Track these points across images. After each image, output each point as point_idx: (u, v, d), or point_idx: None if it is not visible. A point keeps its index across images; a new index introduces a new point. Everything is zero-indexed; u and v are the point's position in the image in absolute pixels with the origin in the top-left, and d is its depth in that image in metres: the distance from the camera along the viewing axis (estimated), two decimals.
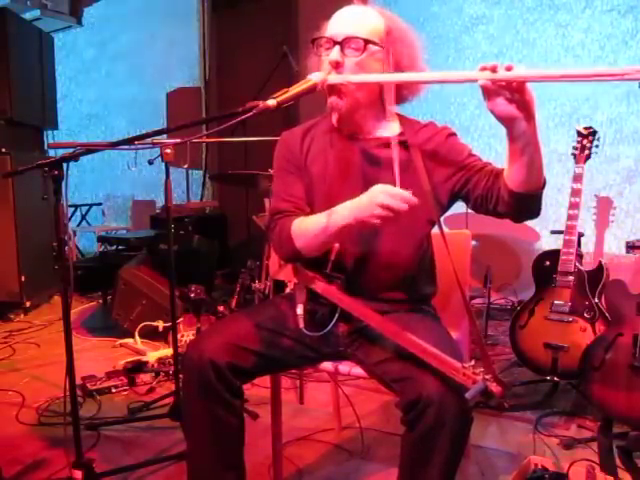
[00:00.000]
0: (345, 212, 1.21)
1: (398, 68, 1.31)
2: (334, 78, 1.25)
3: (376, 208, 1.14)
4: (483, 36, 3.80)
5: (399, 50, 1.32)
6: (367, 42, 1.28)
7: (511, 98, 1.06)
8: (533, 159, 1.15)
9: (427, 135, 1.39)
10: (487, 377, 1.08)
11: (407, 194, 1.12)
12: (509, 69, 1.02)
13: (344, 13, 1.33)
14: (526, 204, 1.23)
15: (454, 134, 1.41)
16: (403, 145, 1.36)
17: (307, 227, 1.30)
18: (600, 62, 3.40)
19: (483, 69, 1.04)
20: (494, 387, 1.07)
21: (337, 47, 1.28)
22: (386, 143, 1.37)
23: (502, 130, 1.14)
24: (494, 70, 1.03)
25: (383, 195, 1.14)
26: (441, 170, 1.35)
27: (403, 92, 1.36)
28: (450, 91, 3.72)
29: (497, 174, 1.26)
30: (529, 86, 1.05)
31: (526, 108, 1.07)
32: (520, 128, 1.10)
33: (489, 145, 3.59)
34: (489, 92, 1.07)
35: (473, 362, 1.11)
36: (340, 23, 1.31)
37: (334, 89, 1.28)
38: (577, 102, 3.38)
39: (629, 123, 3.31)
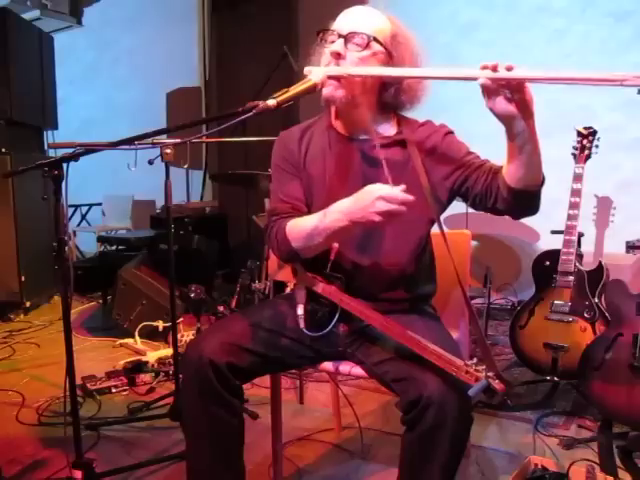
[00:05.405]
0: (339, 214, 1.21)
1: None
2: (333, 70, 1.25)
3: (374, 215, 1.13)
4: (478, 41, 3.77)
5: (402, 55, 1.32)
6: (371, 39, 1.28)
7: (511, 97, 1.07)
8: (532, 157, 1.15)
9: (425, 134, 1.39)
10: (490, 375, 1.07)
11: (403, 195, 1.11)
12: (509, 69, 1.03)
13: (352, 10, 1.34)
14: (525, 201, 1.23)
15: (452, 132, 1.41)
16: (401, 144, 1.36)
17: (301, 229, 1.30)
18: (597, 68, 3.38)
19: (484, 68, 1.05)
20: (497, 384, 1.06)
21: (341, 40, 1.29)
22: (385, 143, 1.37)
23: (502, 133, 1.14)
24: (495, 69, 1.04)
25: (380, 202, 1.12)
26: (440, 168, 1.35)
27: (401, 98, 1.36)
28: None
29: (496, 171, 1.26)
30: (529, 86, 1.05)
31: (525, 107, 1.08)
32: (519, 127, 1.11)
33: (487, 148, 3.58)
34: (489, 91, 1.07)
35: (475, 360, 1.11)
36: (347, 18, 1.33)
37: (332, 77, 1.27)
38: (576, 107, 3.36)
39: (628, 131, 3.30)
